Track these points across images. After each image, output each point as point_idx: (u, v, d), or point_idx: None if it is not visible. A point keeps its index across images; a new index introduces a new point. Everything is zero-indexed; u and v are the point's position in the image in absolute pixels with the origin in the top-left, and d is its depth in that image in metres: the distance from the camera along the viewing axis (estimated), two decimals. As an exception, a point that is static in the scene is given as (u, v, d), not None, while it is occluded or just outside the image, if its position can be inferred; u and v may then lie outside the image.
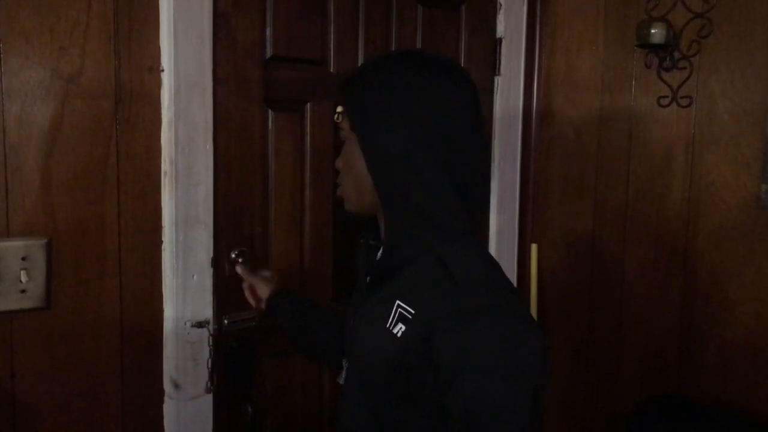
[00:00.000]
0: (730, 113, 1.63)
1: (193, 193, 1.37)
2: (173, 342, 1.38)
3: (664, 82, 1.72)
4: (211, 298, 1.42)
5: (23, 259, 1.21)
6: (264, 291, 1.35)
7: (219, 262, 1.43)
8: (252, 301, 1.38)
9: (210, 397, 1.43)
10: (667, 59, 1.70)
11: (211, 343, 1.41)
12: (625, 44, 1.78)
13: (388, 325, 0.88)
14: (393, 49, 1.68)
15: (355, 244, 1.06)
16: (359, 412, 0.97)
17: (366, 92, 0.91)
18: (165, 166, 1.34)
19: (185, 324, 1.39)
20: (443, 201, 0.89)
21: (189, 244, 1.37)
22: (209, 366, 1.41)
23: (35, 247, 1.22)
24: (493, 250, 1.97)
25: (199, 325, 1.40)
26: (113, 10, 1.26)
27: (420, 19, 1.74)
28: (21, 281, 1.21)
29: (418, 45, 1.75)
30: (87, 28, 1.24)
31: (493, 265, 0.94)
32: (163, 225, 1.36)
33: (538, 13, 1.95)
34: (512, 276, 2.03)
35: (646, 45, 1.69)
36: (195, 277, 1.39)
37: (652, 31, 1.64)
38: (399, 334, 0.87)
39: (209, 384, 1.42)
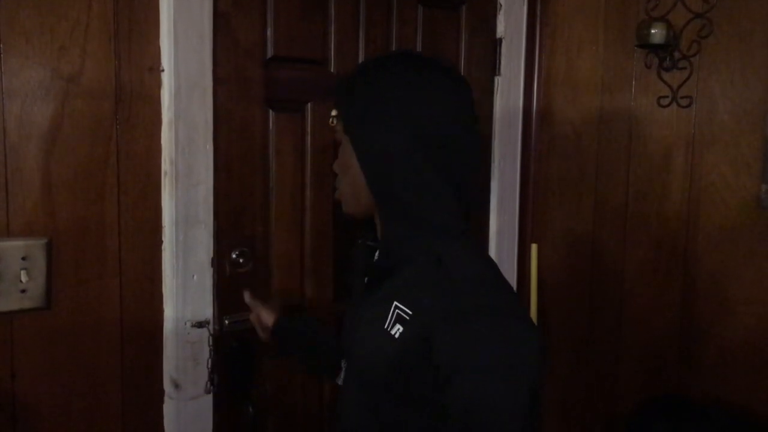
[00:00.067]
0: (730, 113, 1.63)
1: (193, 193, 1.37)
2: (173, 342, 1.38)
3: (664, 82, 1.72)
4: (211, 298, 1.43)
5: (23, 259, 1.21)
6: (269, 319, 1.35)
7: (219, 262, 1.43)
8: (260, 332, 1.37)
9: (210, 397, 1.43)
10: (667, 59, 1.70)
11: (211, 343, 1.41)
12: (625, 44, 1.78)
13: (386, 326, 0.89)
14: (393, 49, 1.68)
15: (353, 244, 1.06)
16: (359, 412, 0.97)
17: (357, 95, 0.92)
18: (165, 166, 1.34)
19: (185, 324, 1.39)
20: (438, 201, 0.89)
21: (189, 244, 1.37)
22: (209, 366, 1.41)
23: (35, 247, 1.22)
24: (493, 250, 1.98)
25: (199, 325, 1.40)
26: (113, 10, 1.26)
27: (420, 20, 1.74)
28: (21, 281, 1.21)
29: (419, 45, 1.75)
30: (87, 28, 1.24)
31: (490, 264, 0.94)
32: (163, 225, 1.36)
33: (538, 13, 1.95)
34: (512, 276, 2.03)
35: (646, 45, 1.69)
36: (195, 277, 1.39)
37: (652, 31, 1.65)
38: (397, 335, 0.87)
39: (209, 384, 1.42)
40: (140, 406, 1.37)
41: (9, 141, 1.19)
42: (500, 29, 1.92)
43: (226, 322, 1.45)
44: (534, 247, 2.00)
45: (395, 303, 0.89)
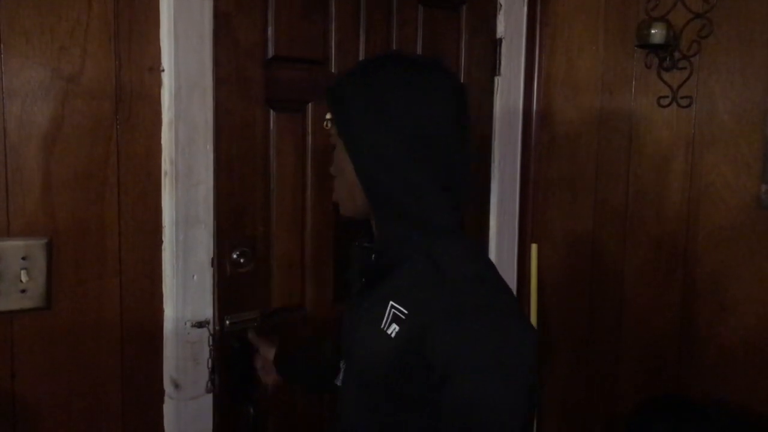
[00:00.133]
0: (730, 113, 1.63)
1: (194, 193, 1.37)
2: (173, 342, 1.38)
3: (664, 82, 1.72)
4: (212, 298, 1.42)
5: (23, 258, 1.21)
6: (269, 353, 1.36)
7: (220, 262, 1.43)
8: (263, 377, 1.39)
9: (210, 397, 1.43)
10: (667, 59, 1.70)
11: (211, 343, 1.41)
12: (625, 44, 1.78)
13: (382, 326, 0.89)
14: (394, 49, 1.69)
15: (350, 246, 1.07)
16: (358, 412, 0.97)
17: (349, 98, 0.93)
18: (165, 166, 1.34)
19: (185, 324, 1.39)
20: (431, 201, 0.90)
21: (189, 244, 1.37)
22: (210, 366, 1.41)
23: (35, 247, 1.22)
24: (493, 250, 1.98)
25: (199, 325, 1.40)
26: (114, 11, 1.26)
27: (420, 20, 1.74)
28: (21, 281, 1.21)
29: (419, 45, 1.75)
30: (87, 28, 1.24)
31: (486, 262, 0.95)
32: (163, 225, 1.36)
33: (538, 13, 1.95)
34: (512, 276, 2.03)
35: (646, 45, 1.69)
36: (195, 277, 1.39)
37: (652, 31, 1.65)
38: (393, 335, 0.87)
39: (210, 384, 1.42)
40: (140, 406, 1.37)
41: (9, 141, 1.19)
42: (500, 29, 1.92)
43: (227, 322, 1.45)
44: (534, 247, 2.00)
45: (391, 303, 0.89)
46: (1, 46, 1.16)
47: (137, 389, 1.36)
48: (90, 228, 1.28)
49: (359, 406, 0.97)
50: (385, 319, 0.89)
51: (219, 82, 1.39)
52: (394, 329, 0.87)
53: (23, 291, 1.22)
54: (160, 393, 1.39)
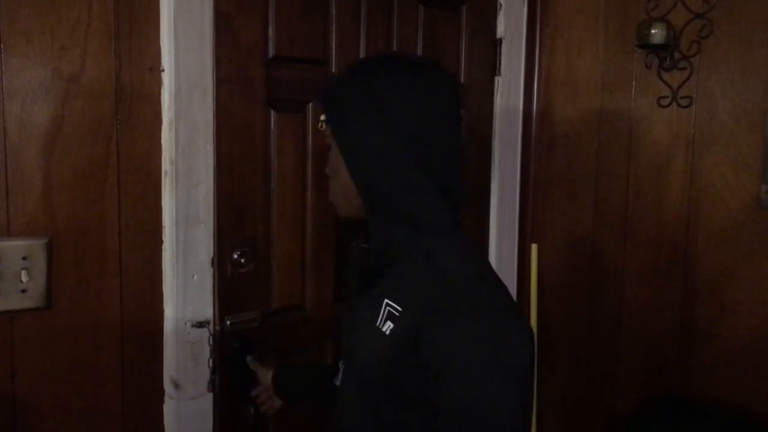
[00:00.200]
0: (730, 113, 1.63)
1: (194, 193, 1.37)
2: (173, 342, 1.38)
3: (664, 82, 1.72)
4: (212, 298, 1.42)
5: (24, 258, 1.21)
6: (267, 375, 1.36)
7: (221, 262, 1.43)
8: (264, 406, 1.39)
9: (210, 397, 1.43)
10: (667, 59, 1.70)
11: (211, 343, 1.41)
12: (625, 44, 1.78)
13: (378, 324, 0.89)
14: (394, 49, 1.69)
15: (347, 247, 1.07)
16: (358, 412, 0.97)
17: (342, 99, 0.93)
18: (165, 166, 1.34)
19: (185, 324, 1.39)
20: (425, 200, 0.90)
21: (189, 243, 1.37)
22: (210, 366, 1.41)
23: (36, 246, 1.22)
24: (493, 250, 1.98)
25: (200, 325, 1.40)
26: (114, 11, 1.26)
27: (421, 20, 1.74)
28: (21, 281, 1.21)
29: (419, 45, 1.75)
30: (88, 28, 1.23)
31: (481, 260, 0.95)
32: (163, 225, 1.36)
33: (538, 13, 1.95)
34: (512, 276, 2.03)
35: (646, 45, 1.69)
36: (195, 277, 1.39)
37: (652, 31, 1.65)
38: (388, 332, 0.88)
39: (210, 384, 1.42)
40: (140, 406, 1.37)
41: (9, 141, 1.19)
42: (500, 29, 1.92)
43: (228, 322, 1.45)
44: (534, 247, 2.00)
45: (386, 300, 0.90)
46: (2, 46, 1.16)
47: (137, 389, 1.36)
48: (90, 228, 1.28)
49: (359, 406, 0.97)
50: (380, 316, 0.89)
51: (219, 82, 1.39)
52: (388, 326, 0.88)
53: (23, 291, 1.22)
54: (160, 393, 1.39)
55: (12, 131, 1.19)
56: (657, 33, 1.64)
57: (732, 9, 1.60)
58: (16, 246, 1.20)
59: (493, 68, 1.92)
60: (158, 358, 1.38)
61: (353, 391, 0.99)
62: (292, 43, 1.51)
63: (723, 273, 1.66)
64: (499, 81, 1.93)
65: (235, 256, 1.46)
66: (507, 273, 2.01)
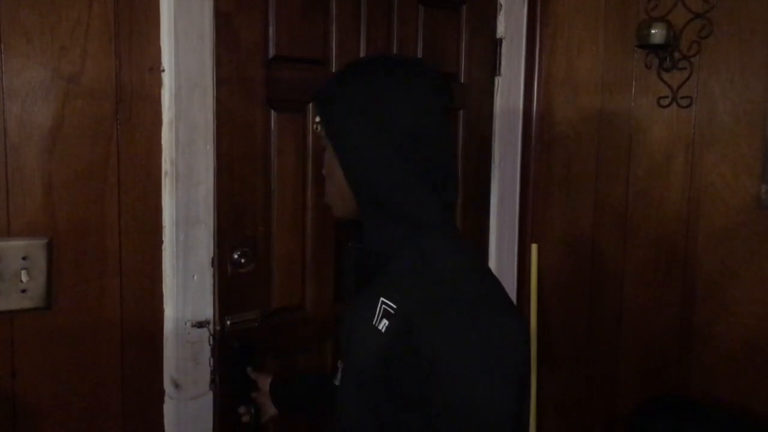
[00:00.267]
0: (730, 113, 1.63)
1: (194, 193, 1.37)
2: (173, 342, 1.38)
3: (664, 82, 1.72)
4: (212, 298, 1.42)
5: (24, 258, 1.21)
6: (265, 384, 1.36)
7: (221, 262, 1.43)
8: (264, 415, 1.39)
9: (210, 397, 1.43)
10: (667, 59, 1.70)
11: (211, 343, 1.41)
12: (625, 44, 1.78)
13: (374, 323, 0.90)
14: (394, 49, 1.69)
15: (344, 247, 1.08)
16: (358, 412, 0.97)
17: (334, 100, 0.94)
18: (165, 166, 1.34)
19: (185, 324, 1.39)
20: (418, 198, 0.91)
21: (189, 243, 1.37)
22: (211, 365, 1.41)
23: (36, 246, 1.22)
24: (493, 250, 1.98)
25: (200, 325, 1.40)
26: (114, 11, 1.26)
27: (421, 20, 1.74)
28: (22, 281, 1.21)
29: (419, 45, 1.75)
30: (88, 28, 1.23)
31: (474, 256, 0.96)
32: (163, 225, 1.36)
33: (538, 13, 1.95)
34: (512, 276, 2.03)
35: (646, 45, 1.69)
36: (195, 277, 1.39)
37: (652, 31, 1.65)
38: (383, 330, 0.88)
39: (210, 384, 1.42)
40: (140, 406, 1.37)
41: (9, 141, 1.19)
42: (500, 29, 1.92)
43: (228, 322, 1.45)
44: (534, 247, 2.00)
45: (381, 299, 0.90)
46: (2, 46, 1.16)
47: (137, 389, 1.36)
48: (90, 228, 1.28)
49: (359, 406, 0.97)
50: (376, 315, 0.90)
51: (219, 82, 1.39)
52: (384, 324, 0.88)
53: (23, 291, 1.22)
54: (161, 393, 1.39)
55: (12, 131, 1.19)
56: (657, 33, 1.64)
57: (732, 9, 1.60)
58: (16, 246, 1.20)
59: (493, 68, 1.92)
60: (158, 358, 1.38)
61: (353, 391, 0.99)
62: (292, 43, 1.51)
63: (723, 273, 1.66)
64: (499, 81, 1.93)
65: (235, 256, 1.46)
66: (507, 273, 2.01)
